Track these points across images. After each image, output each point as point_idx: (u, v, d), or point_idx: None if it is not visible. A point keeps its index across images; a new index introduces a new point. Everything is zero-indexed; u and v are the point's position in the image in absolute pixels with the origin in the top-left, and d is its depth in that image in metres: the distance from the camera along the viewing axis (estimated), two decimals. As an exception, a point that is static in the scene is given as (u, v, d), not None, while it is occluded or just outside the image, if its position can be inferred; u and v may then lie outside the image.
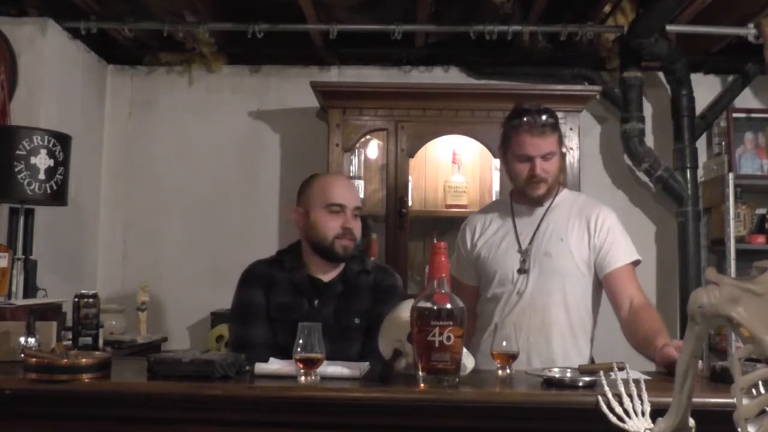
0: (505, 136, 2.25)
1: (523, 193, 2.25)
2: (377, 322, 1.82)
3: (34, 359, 1.58)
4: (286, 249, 2.21)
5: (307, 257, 2.12)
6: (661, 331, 1.97)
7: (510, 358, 1.77)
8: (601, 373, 1.50)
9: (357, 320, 2.05)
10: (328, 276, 2.10)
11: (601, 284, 2.22)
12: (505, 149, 2.25)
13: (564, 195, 2.32)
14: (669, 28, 3.42)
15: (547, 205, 2.26)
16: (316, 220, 2.07)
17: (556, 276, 2.18)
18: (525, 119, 2.16)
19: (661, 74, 3.77)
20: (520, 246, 2.23)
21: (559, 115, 3.30)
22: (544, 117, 2.16)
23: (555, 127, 2.20)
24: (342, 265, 2.12)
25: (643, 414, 1.40)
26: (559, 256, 2.18)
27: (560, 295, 2.18)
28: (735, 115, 3.74)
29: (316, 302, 2.06)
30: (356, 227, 2.08)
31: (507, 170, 2.32)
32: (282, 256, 2.16)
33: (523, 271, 2.19)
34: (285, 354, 1.75)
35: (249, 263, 2.18)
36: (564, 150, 2.24)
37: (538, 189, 2.20)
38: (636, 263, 2.20)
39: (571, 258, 2.19)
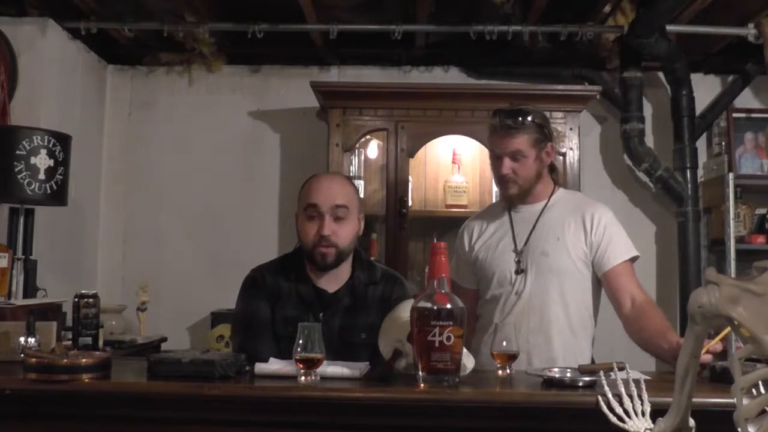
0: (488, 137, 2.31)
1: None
2: None
3: (34, 359, 1.58)
4: (289, 254, 2.13)
5: (307, 264, 2.03)
6: (671, 328, 1.98)
7: (510, 358, 1.77)
8: (601, 373, 1.50)
9: (363, 335, 1.95)
10: (333, 286, 2.02)
11: (600, 282, 2.22)
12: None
13: (560, 194, 2.32)
14: (669, 28, 3.42)
15: (542, 204, 2.26)
16: (300, 225, 2.02)
17: (554, 275, 2.18)
18: (496, 118, 2.20)
19: (661, 74, 3.77)
20: (516, 246, 2.23)
21: (559, 115, 3.36)
22: (514, 117, 2.16)
23: (526, 127, 2.17)
24: (346, 274, 2.04)
25: (643, 414, 1.40)
26: (556, 255, 2.18)
27: (558, 294, 2.17)
28: (735, 115, 3.74)
29: (321, 315, 1.98)
30: (335, 232, 1.94)
31: None
32: (285, 263, 2.08)
33: (520, 271, 2.19)
34: None
35: (249, 264, 2.13)
36: (545, 152, 2.22)
37: (507, 189, 2.23)
38: (634, 259, 2.20)
39: (568, 256, 2.18)
